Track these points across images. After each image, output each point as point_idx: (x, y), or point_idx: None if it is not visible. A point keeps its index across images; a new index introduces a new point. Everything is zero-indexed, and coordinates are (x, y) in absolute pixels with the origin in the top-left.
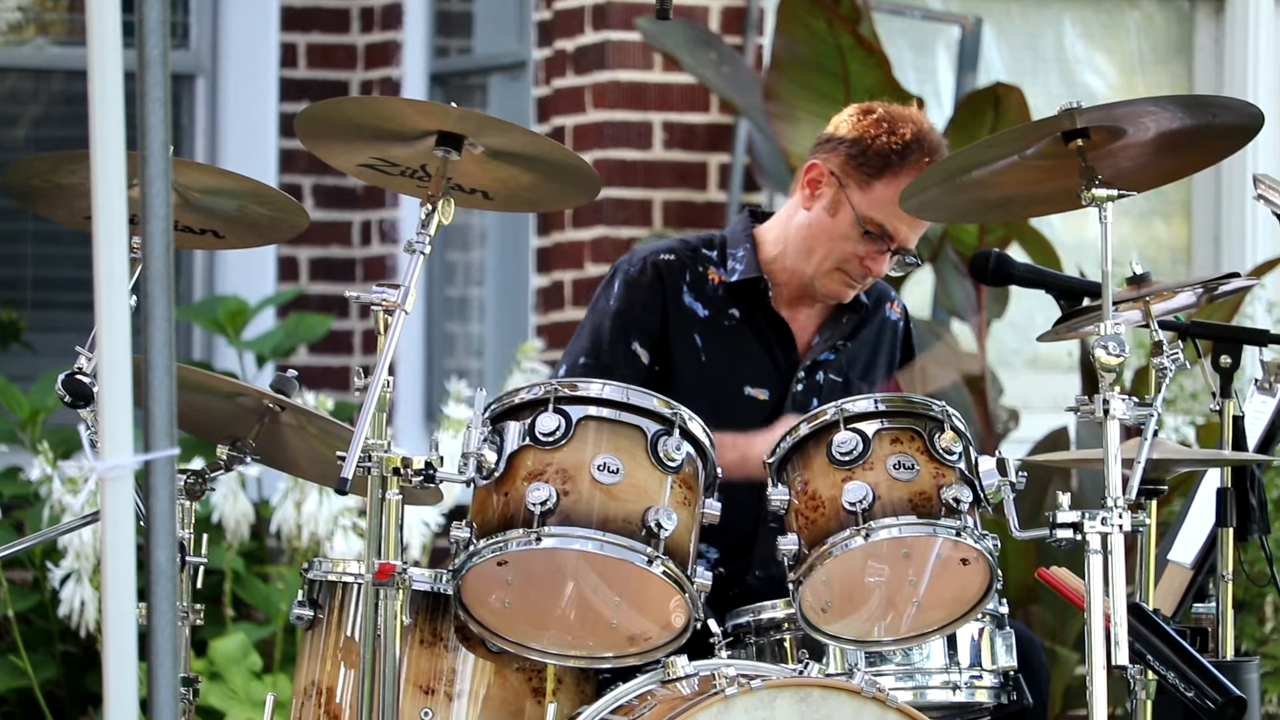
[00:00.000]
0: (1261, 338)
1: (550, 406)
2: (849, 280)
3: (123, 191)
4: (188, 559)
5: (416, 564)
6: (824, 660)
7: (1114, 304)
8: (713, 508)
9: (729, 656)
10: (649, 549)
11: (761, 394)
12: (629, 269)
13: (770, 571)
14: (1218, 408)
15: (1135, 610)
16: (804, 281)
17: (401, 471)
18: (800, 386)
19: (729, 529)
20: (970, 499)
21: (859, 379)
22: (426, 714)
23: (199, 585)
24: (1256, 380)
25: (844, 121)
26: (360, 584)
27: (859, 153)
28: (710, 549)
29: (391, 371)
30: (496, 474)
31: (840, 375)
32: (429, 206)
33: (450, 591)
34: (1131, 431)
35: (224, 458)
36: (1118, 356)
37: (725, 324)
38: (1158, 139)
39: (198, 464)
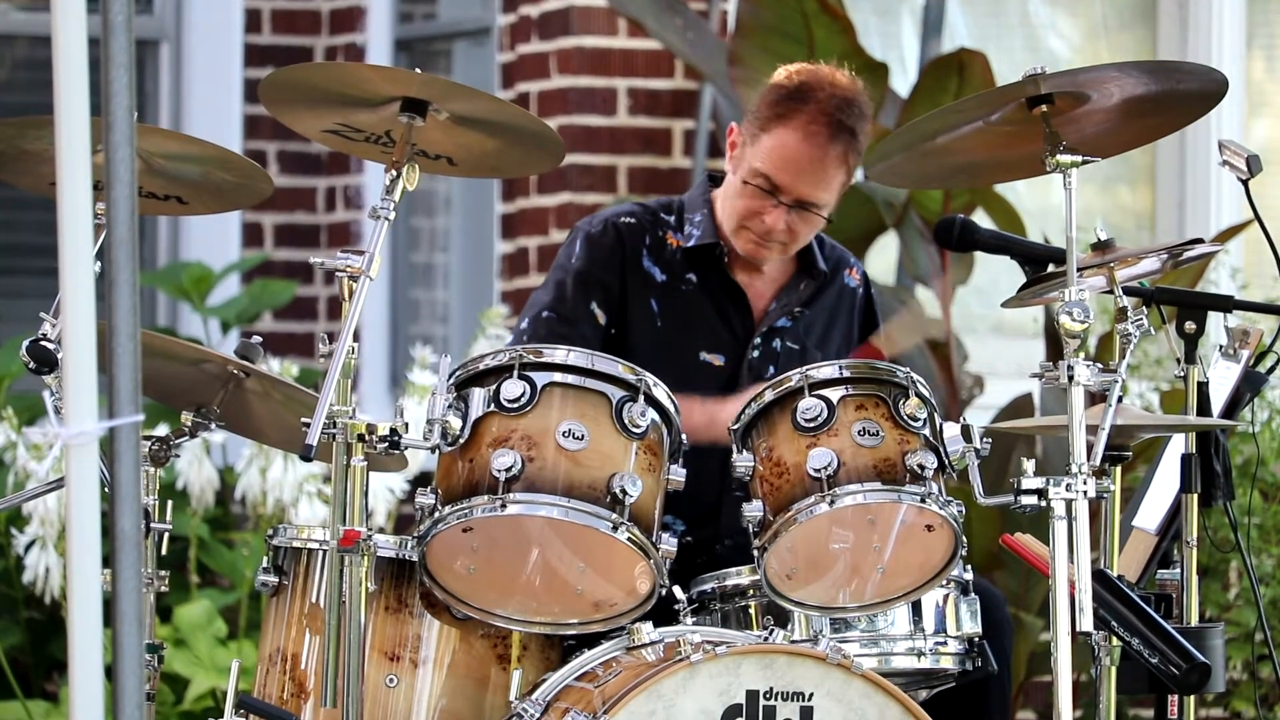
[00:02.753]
0: (1225, 303)
1: (515, 373)
2: (755, 239)
3: (87, 157)
4: (152, 525)
5: (381, 530)
6: (789, 627)
7: (1078, 270)
8: (677, 474)
9: (694, 623)
10: (614, 515)
11: (717, 360)
12: (590, 229)
13: (738, 541)
14: (1182, 374)
15: (1100, 576)
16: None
17: (366, 438)
18: (756, 353)
19: (695, 498)
20: (935, 465)
21: (815, 346)
22: (392, 680)
23: (164, 552)
24: (1221, 346)
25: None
26: (325, 550)
27: (755, 107)
28: (676, 520)
29: (356, 338)
30: (461, 440)
31: (797, 343)
32: (393, 172)
33: (415, 558)
34: (1096, 397)
35: (189, 424)
36: (1082, 322)
37: (682, 289)
38: (1122, 105)
39: (162, 430)
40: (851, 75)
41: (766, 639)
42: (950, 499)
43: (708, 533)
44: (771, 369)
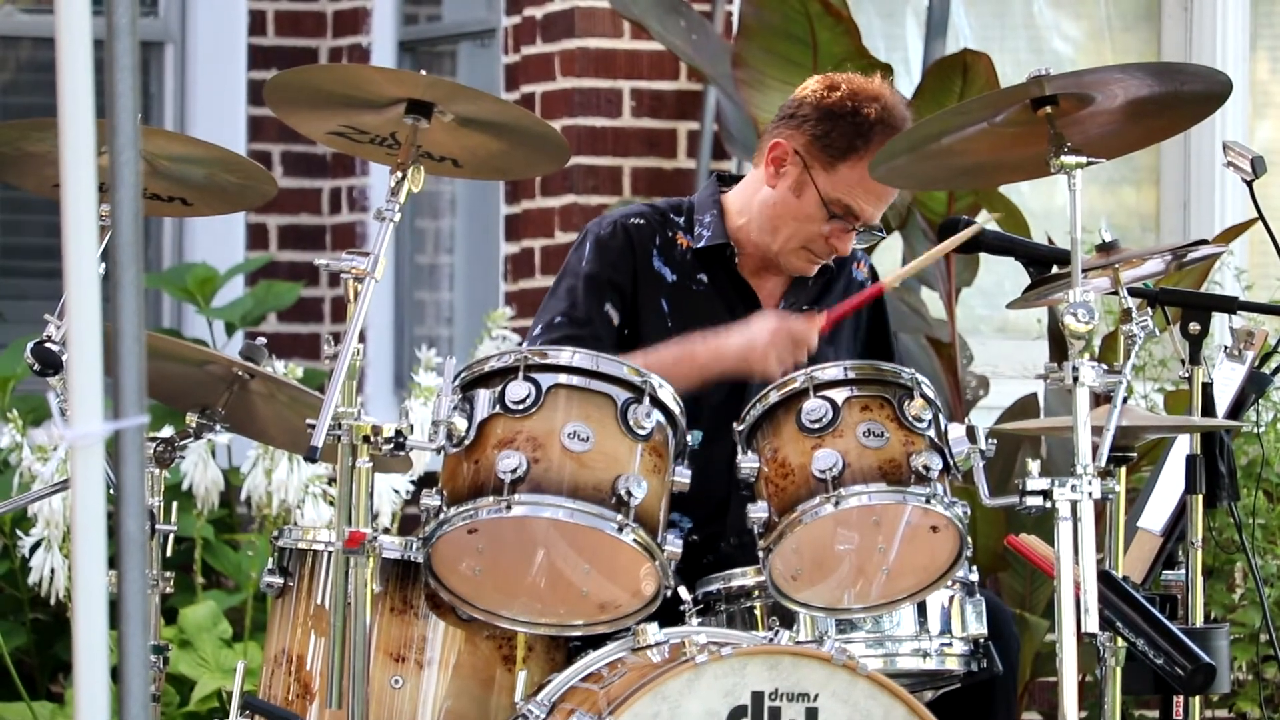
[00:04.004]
0: (1230, 304)
1: (520, 374)
2: (814, 258)
3: (91, 159)
4: (158, 527)
5: (386, 531)
6: (794, 628)
7: (1083, 271)
8: (683, 475)
9: (699, 624)
10: (619, 517)
11: None
12: (600, 231)
13: (744, 539)
14: (1186, 375)
15: (1105, 577)
16: (769, 256)
17: (371, 439)
18: None
19: (703, 496)
20: (940, 466)
21: (825, 343)
22: (397, 682)
23: (169, 553)
24: (1225, 347)
25: (808, 97)
26: (330, 552)
27: (823, 133)
28: (684, 518)
29: (361, 339)
30: (467, 442)
31: None
32: (398, 174)
33: (421, 559)
34: (1100, 399)
35: (194, 425)
36: (1087, 324)
37: (693, 289)
38: (1126, 106)
39: (167, 432)
40: (890, 85)
41: (772, 640)
42: (955, 500)
43: (714, 530)
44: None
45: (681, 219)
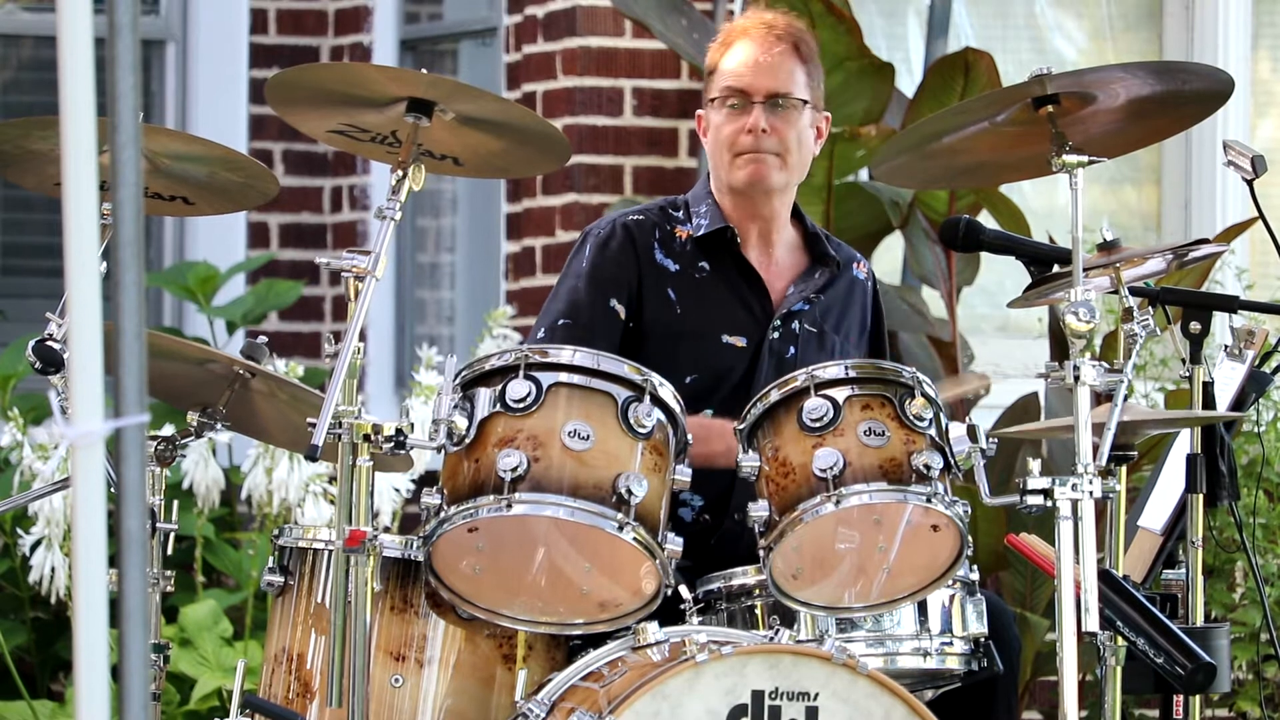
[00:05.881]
0: (1231, 304)
1: (521, 373)
2: (749, 155)
3: (93, 158)
4: (158, 525)
5: (387, 530)
6: (795, 627)
7: (1084, 270)
8: (683, 474)
9: (700, 623)
10: (619, 515)
11: (739, 341)
12: (599, 232)
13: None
14: (1187, 374)
15: (1105, 576)
16: (735, 196)
17: (372, 438)
18: (776, 335)
19: (710, 476)
20: (941, 465)
21: (833, 331)
22: (397, 680)
23: (170, 552)
24: (1226, 346)
25: None
26: (331, 550)
27: (705, 67)
28: (695, 496)
29: (362, 338)
30: (467, 440)
31: (815, 326)
32: (399, 173)
33: (421, 558)
34: (1101, 398)
35: (194, 424)
36: (1088, 323)
37: (697, 276)
38: (1128, 105)
39: (168, 430)
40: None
41: (772, 639)
42: (956, 499)
43: (719, 508)
44: (792, 349)
45: (679, 213)
